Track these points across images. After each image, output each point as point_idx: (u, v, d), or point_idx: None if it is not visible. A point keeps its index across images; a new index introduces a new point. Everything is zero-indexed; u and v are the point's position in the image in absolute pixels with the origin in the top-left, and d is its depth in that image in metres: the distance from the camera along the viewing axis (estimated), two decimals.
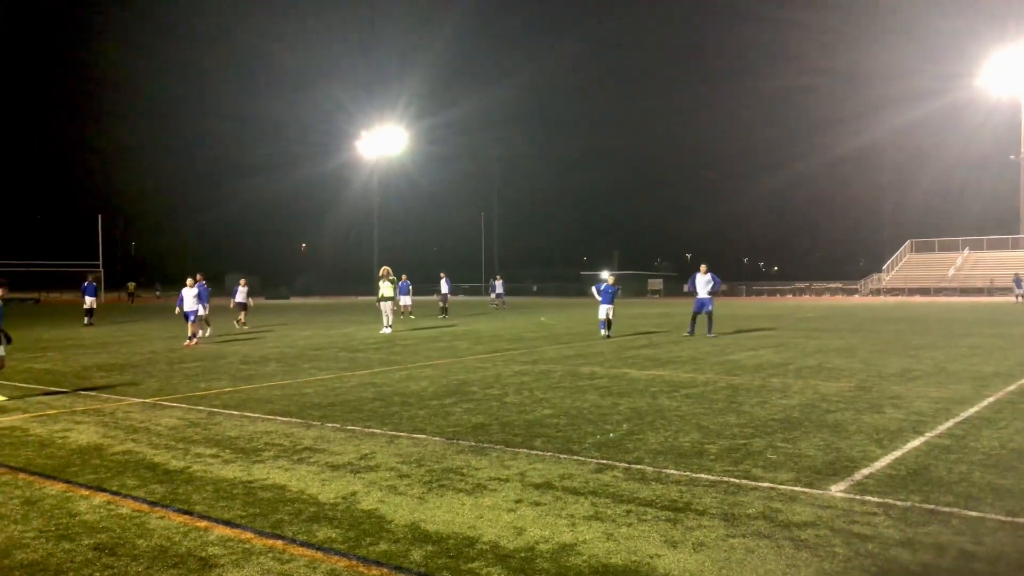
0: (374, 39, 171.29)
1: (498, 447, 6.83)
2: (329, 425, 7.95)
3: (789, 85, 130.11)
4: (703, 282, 19.30)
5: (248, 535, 4.53)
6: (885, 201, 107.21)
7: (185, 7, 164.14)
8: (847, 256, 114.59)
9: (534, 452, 6.62)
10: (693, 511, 4.92)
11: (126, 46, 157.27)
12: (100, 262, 59.47)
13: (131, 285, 58.52)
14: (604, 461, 6.27)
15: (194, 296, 18.70)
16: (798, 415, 8.27)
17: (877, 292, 66.52)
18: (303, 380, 11.57)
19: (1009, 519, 4.71)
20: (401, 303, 26.84)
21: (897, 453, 6.45)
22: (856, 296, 66.75)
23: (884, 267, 71.61)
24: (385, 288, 22.21)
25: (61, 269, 61.43)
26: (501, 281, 41.72)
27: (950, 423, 7.75)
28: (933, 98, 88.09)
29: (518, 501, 5.17)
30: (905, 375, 11.54)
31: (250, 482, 5.71)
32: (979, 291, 59.87)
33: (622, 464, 6.16)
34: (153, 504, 5.17)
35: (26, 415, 8.73)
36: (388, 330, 21.57)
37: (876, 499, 5.13)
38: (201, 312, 19.02)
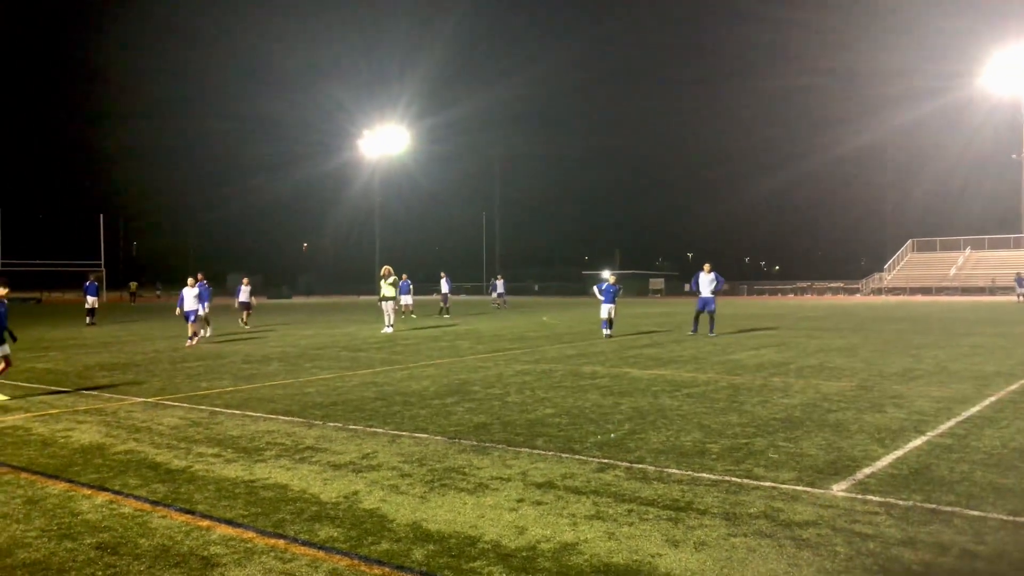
0: (375, 39, 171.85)
1: (500, 446, 6.83)
2: (331, 424, 7.96)
3: (789, 85, 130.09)
4: (707, 281, 19.28)
5: (250, 534, 4.54)
6: (886, 200, 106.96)
7: (185, 7, 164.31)
8: (848, 255, 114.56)
9: (536, 451, 6.63)
10: (695, 510, 4.93)
11: (126, 46, 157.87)
12: (102, 262, 59.60)
13: (133, 285, 58.53)
14: (606, 460, 6.27)
15: (195, 296, 18.71)
16: (800, 414, 8.27)
17: (878, 291, 66.46)
18: (305, 379, 11.58)
19: (1011, 518, 4.71)
20: (402, 302, 26.87)
21: (899, 452, 6.45)
22: (857, 295, 66.67)
23: (885, 266, 71.53)
24: (386, 288, 22.25)
25: (63, 269, 61.54)
26: (502, 280, 41.74)
27: (952, 422, 7.74)
28: (934, 98, 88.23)
29: (520, 500, 5.18)
30: (907, 374, 11.53)
31: (252, 481, 5.72)
32: (980, 290, 59.77)
33: (624, 463, 6.17)
34: (155, 503, 5.18)
35: (28, 415, 8.75)
36: (390, 329, 21.58)
37: (878, 498, 5.13)
38: (201, 312, 19.04)
